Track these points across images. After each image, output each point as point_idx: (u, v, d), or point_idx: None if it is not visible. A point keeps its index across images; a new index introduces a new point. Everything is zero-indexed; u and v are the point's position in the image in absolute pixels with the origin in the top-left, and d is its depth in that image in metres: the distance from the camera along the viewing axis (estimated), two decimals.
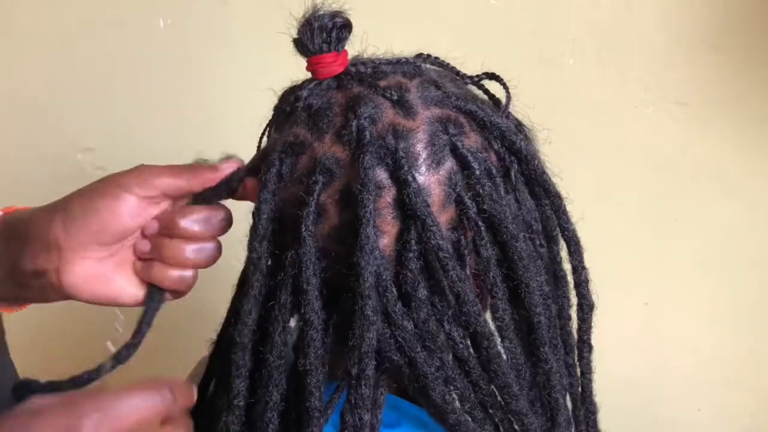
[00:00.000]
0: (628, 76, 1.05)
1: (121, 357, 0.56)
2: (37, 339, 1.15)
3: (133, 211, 0.55)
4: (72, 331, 1.25)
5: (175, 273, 0.56)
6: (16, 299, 0.59)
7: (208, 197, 0.57)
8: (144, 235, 0.57)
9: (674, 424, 1.16)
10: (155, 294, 0.57)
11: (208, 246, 0.56)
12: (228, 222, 0.57)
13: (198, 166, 0.57)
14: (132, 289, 0.57)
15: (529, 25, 1.05)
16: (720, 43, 1.02)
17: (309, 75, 0.56)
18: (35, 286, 0.56)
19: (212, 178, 0.56)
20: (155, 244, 0.56)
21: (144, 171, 0.56)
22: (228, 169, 0.56)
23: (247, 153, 0.60)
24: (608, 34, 1.04)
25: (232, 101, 1.11)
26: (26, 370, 0.62)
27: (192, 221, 0.56)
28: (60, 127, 1.18)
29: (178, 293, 0.58)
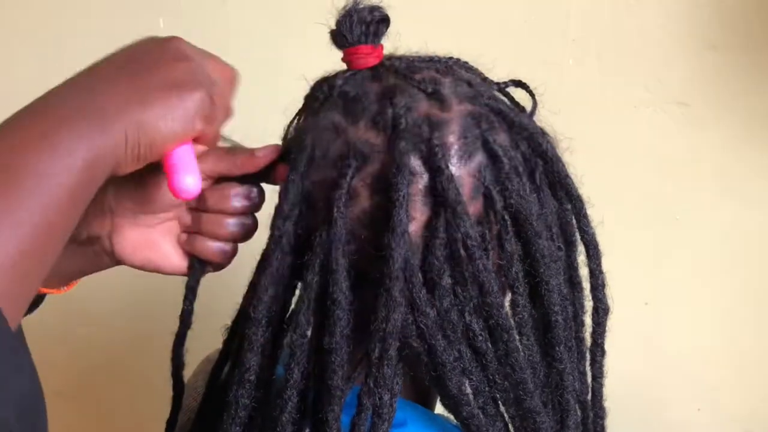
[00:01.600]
0: (628, 76, 1.05)
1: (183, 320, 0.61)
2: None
3: None
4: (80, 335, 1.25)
5: (215, 245, 0.59)
6: (65, 274, 0.60)
7: (243, 179, 0.59)
8: (188, 208, 0.60)
9: (674, 424, 1.16)
10: (197, 265, 0.60)
11: (246, 221, 0.59)
12: (261, 198, 0.60)
13: (239, 153, 0.58)
14: (176, 259, 0.60)
15: (529, 25, 1.06)
16: (720, 43, 1.02)
17: (304, 74, 0.58)
18: (89, 253, 0.59)
19: (252, 165, 0.58)
20: (197, 218, 0.59)
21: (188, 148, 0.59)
22: (266, 157, 0.58)
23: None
24: (608, 34, 1.04)
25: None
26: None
27: (232, 197, 0.58)
28: None
29: (218, 265, 0.60)
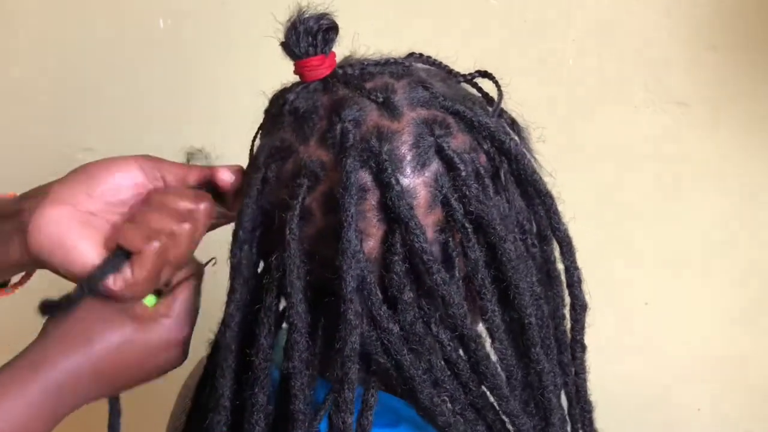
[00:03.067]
0: (628, 76, 1.05)
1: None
2: None
3: (130, 174, 0.57)
4: None
5: (142, 232, 0.54)
6: None
7: None
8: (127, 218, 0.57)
9: (674, 424, 1.16)
10: (117, 255, 0.54)
11: (184, 218, 0.55)
12: (209, 210, 0.56)
13: (199, 167, 0.58)
14: (89, 253, 0.54)
15: (529, 25, 1.05)
16: (720, 43, 1.02)
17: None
18: (4, 230, 0.55)
19: (206, 175, 0.58)
20: (136, 212, 0.56)
21: (148, 155, 0.59)
22: (221, 170, 0.58)
23: (246, 153, 0.60)
24: (608, 34, 1.04)
25: (232, 101, 1.11)
26: None
27: (173, 191, 0.57)
28: (60, 127, 1.18)
29: (140, 265, 0.54)
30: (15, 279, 0.63)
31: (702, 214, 1.08)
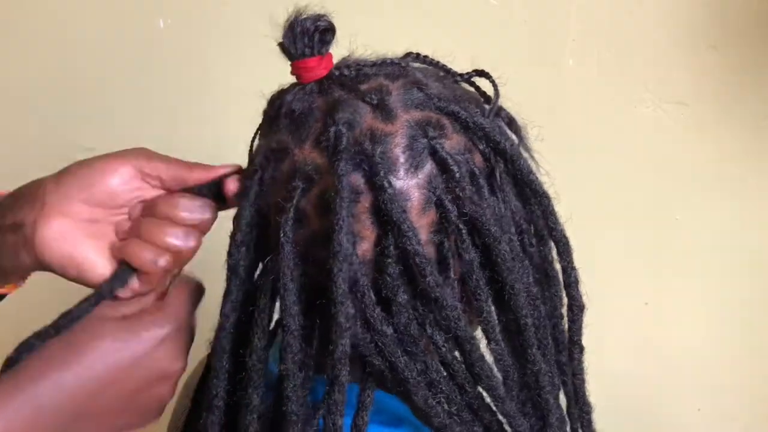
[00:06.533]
0: (628, 76, 1.05)
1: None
2: None
3: (125, 177, 0.56)
4: None
5: (148, 252, 0.55)
6: None
7: (198, 194, 0.58)
8: (129, 218, 0.57)
9: (674, 424, 1.16)
10: (124, 271, 0.55)
11: (186, 238, 0.56)
12: (211, 217, 0.57)
13: (195, 164, 0.57)
14: (100, 263, 0.55)
15: (529, 25, 1.05)
16: (720, 43, 1.02)
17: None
18: (9, 242, 0.55)
19: (205, 176, 0.57)
20: (137, 224, 0.56)
21: (145, 149, 0.57)
22: (220, 170, 0.57)
23: (246, 153, 0.60)
24: (608, 34, 1.04)
25: (232, 101, 1.11)
26: None
27: (181, 205, 0.56)
28: (60, 127, 1.18)
29: (146, 280, 0.55)
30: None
31: (702, 214, 1.08)
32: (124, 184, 0.56)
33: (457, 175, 0.53)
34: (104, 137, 1.17)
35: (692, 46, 1.02)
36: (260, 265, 0.58)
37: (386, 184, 0.51)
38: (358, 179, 0.51)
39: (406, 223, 0.50)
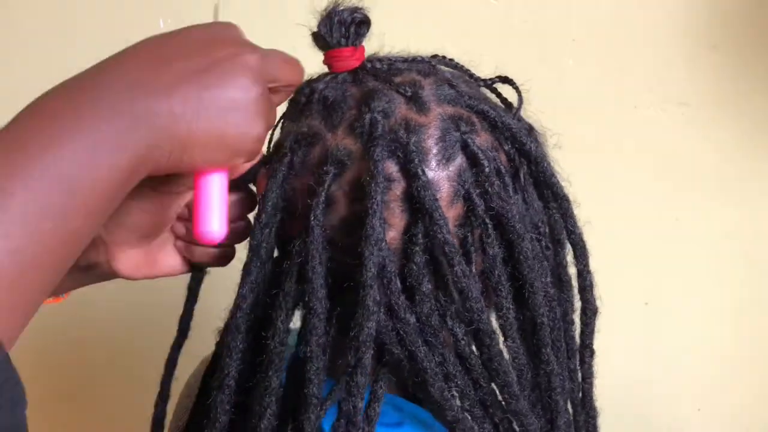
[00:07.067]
0: (628, 76, 1.05)
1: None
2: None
3: (162, 204, 0.56)
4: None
5: (213, 251, 0.59)
6: (64, 288, 0.60)
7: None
8: (178, 218, 0.59)
9: (674, 424, 1.16)
10: (196, 272, 0.61)
11: (239, 224, 0.58)
12: (253, 201, 0.59)
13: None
14: (177, 264, 0.60)
15: (529, 25, 1.06)
16: (720, 43, 1.02)
17: (312, 71, 0.57)
18: (92, 275, 0.59)
19: (234, 170, 0.57)
20: (190, 227, 0.58)
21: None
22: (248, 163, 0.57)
23: None
24: (608, 34, 1.04)
25: None
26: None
27: None
28: None
29: (220, 264, 0.61)
30: None
31: (702, 213, 1.08)
32: (162, 211, 0.56)
33: (487, 170, 0.53)
34: None
35: (692, 46, 1.03)
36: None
37: (420, 172, 0.51)
38: (391, 167, 0.52)
39: (438, 212, 0.51)
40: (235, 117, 0.45)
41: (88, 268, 0.57)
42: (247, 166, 0.57)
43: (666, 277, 1.11)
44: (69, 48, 1.14)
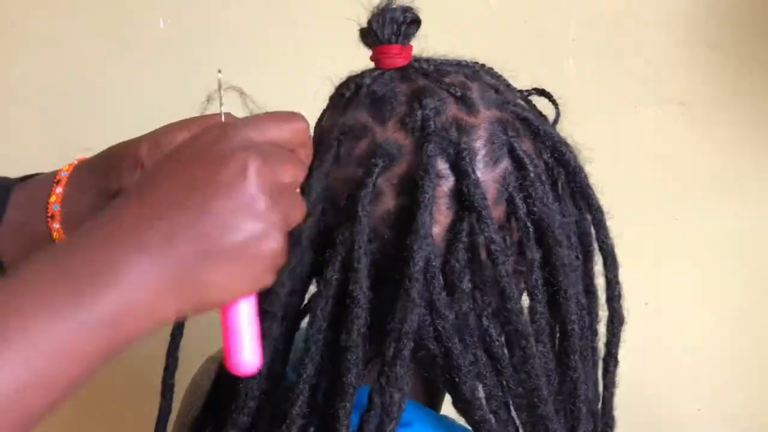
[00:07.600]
0: (628, 76, 1.05)
1: None
2: None
3: None
4: None
5: None
6: None
7: None
8: None
9: (674, 424, 1.16)
10: None
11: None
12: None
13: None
14: None
15: (529, 25, 1.06)
16: (720, 43, 1.02)
17: (319, 74, 0.57)
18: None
19: None
20: None
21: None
22: None
23: None
24: (608, 34, 1.04)
25: (232, 101, 1.11)
26: None
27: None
28: (60, 127, 1.18)
29: None
30: None
31: (702, 213, 1.08)
32: None
33: (532, 174, 0.54)
34: (104, 137, 1.17)
35: (692, 46, 1.03)
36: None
37: (470, 170, 0.52)
38: (441, 164, 0.53)
39: (487, 210, 0.52)
40: (246, 250, 0.41)
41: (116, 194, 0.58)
42: None
43: (666, 277, 1.11)
44: (69, 48, 1.14)
